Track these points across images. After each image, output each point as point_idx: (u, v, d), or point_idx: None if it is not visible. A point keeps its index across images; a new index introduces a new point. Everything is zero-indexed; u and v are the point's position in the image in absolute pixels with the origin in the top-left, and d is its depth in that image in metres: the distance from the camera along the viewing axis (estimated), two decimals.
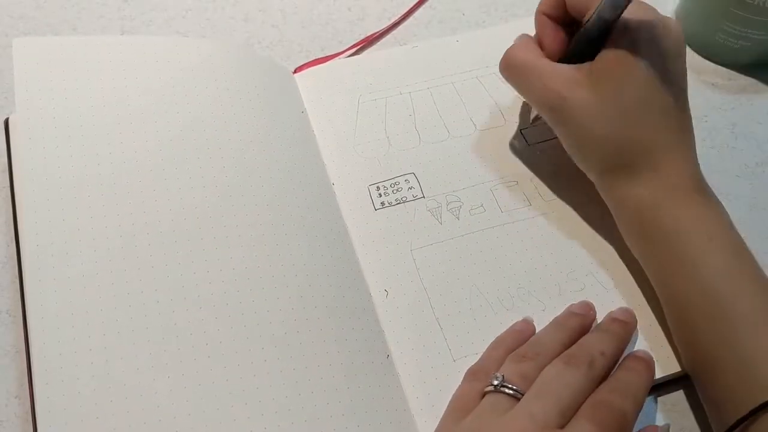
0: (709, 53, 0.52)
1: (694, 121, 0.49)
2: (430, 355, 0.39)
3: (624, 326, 0.38)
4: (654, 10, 0.39)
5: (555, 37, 0.41)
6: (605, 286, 0.41)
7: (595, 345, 0.35)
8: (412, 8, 0.55)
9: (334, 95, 0.48)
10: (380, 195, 0.44)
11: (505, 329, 0.38)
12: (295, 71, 0.50)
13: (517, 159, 0.46)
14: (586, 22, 0.38)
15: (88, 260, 0.38)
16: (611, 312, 0.39)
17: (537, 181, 0.45)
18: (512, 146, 0.46)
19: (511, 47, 0.41)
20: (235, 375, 0.36)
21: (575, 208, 0.44)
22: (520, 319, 0.39)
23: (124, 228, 0.39)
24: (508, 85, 0.42)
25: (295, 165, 0.43)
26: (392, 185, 0.44)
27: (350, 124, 0.47)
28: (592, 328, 0.38)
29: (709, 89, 0.51)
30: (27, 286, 0.38)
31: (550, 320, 0.38)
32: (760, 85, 0.51)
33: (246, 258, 0.39)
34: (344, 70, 0.50)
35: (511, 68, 0.41)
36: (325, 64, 0.50)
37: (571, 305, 0.39)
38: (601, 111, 0.38)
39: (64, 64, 0.43)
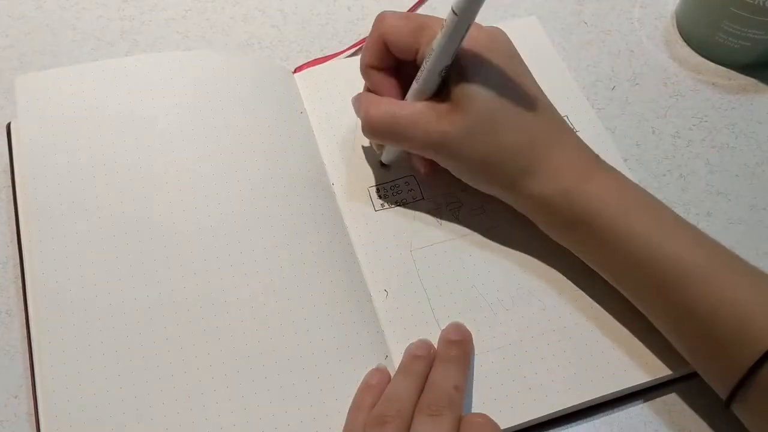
0: (709, 53, 0.52)
1: (694, 121, 0.49)
2: None
3: (461, 346, 0.38)
4: (477, 24, 0.38)
5: (391, 86, 0.41)
6: (605, 284, 0.41)
7: (446, 382, 0.35)
8: (411, 8, 0.55)
9: (334, 95, 0.48)
10: (380, 197, 0.44)
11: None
12: (294, 71, 0.50)
13: None
14: (429, 61, 0.37)
15: (90, 260, 0.38)
16: (444, 332, 0.38)
17: None
18: None
19: (365, 110, 0.40)
20: (234, 379, 0.36)
21: None
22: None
23: (124, 228, 0.39)
24: None
25: (294, 165, 0.43)
26: (392, 187, 0.44)
27: (350, 124, 0.47)
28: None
29: (709, 89, 0.51)
30: (29, 286, 0.38)
31: (400, 368, 0.37)
32: (760, 85, 0.51)
33: (245, 260, 0.39)
34: (344, 70, 0.50)
35: (380, 128, 0.40)
36: (325, 64, 0.50)
37: (410, 347, 0.38)
38: (479, 132, 0.38)
39: (63, 96, 0.43)
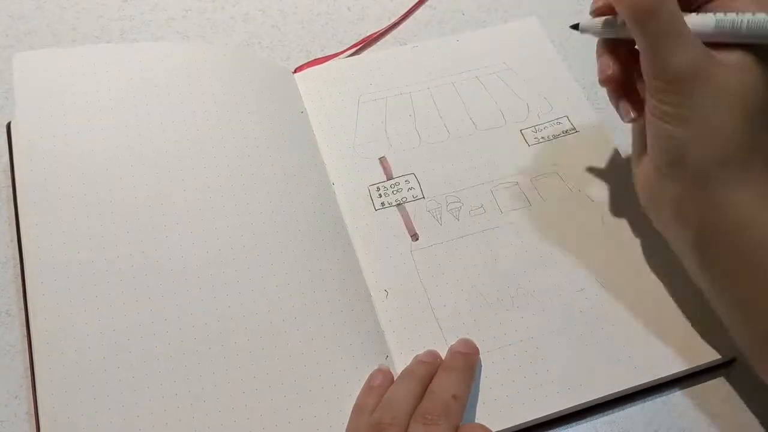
0: None
1: None
2: None
3: (467, 358, 0.37)
4: None
5: None
6: (604, 287, 0.41)
7: (445, 390, 0.35)
8: (412, 8, 0.55)
9: (334, 95, 0.48)
10: (380, 195, 0.44)
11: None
12: (295, 71, 0.50)
13: (517, 159, 0.46)
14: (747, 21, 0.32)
15: (90, 259, 0.38)
16: (453, 345, 0.38)
17: (537, 181, 0.45)
18: (512, 146, 0.46)
19: None
20: (235, 377, 0.36)
21: (575, 209, 0.44)
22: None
23: (125, 227, 0.39)
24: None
25: (294, 165, 0.43)
26: (392, 186, 0.44)
27: (350, 124, 0.47)
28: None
29: None
30: (29, 286, 0.38)
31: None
32: None
33: (246, 259, 0.39)
34: (344, 70, 0.50)
35: (647, 11, 0.32)
36: (325, 64, 0.50)
37: (418, 355, 0.38)
38: (735, 98, 0.33)
39: (64, 75, 0.43)
